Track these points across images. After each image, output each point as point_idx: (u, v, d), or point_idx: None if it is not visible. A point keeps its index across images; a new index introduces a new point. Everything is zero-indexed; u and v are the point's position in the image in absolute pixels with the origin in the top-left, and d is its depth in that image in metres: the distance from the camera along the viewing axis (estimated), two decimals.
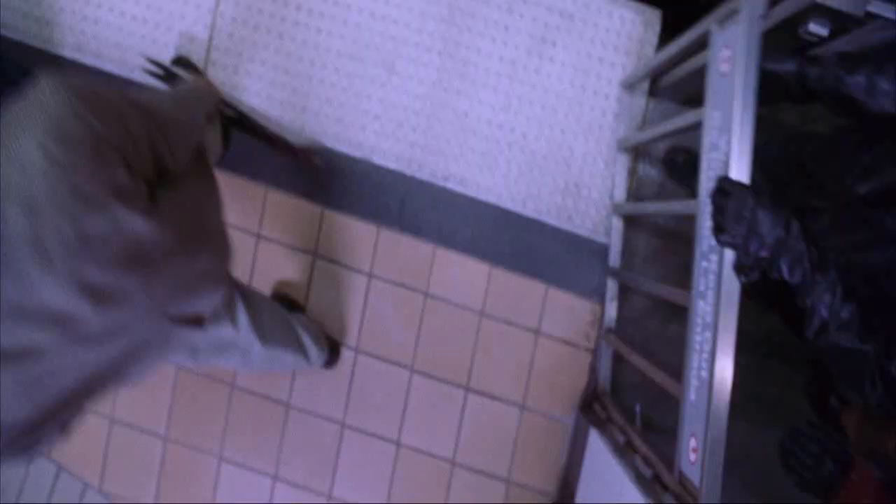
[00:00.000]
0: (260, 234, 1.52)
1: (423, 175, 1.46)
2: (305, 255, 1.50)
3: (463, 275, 1.47)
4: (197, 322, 0.87)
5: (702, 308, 0.89)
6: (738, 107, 0.84)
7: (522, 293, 1.46)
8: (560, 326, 1.47)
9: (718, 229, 0.80)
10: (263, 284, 1.52)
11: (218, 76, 1.51)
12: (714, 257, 0.86)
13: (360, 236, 1.48)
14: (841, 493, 0.79)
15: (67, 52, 1.51)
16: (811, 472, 0.80)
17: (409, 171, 1.47)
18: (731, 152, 0.84)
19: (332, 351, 1.46)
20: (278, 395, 1.53)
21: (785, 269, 0.75)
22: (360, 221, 1.48)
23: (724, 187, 0.81)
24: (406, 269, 1.47)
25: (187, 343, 0.89)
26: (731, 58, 0.87)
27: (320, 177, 1.49)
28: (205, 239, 0.82)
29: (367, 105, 1.47)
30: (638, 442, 1.18)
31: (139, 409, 1.57)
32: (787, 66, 0.88)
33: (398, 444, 1.51)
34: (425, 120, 1.46)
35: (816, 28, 1.07)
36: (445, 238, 1.47)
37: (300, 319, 1.30)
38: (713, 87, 0.93)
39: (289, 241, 1.51)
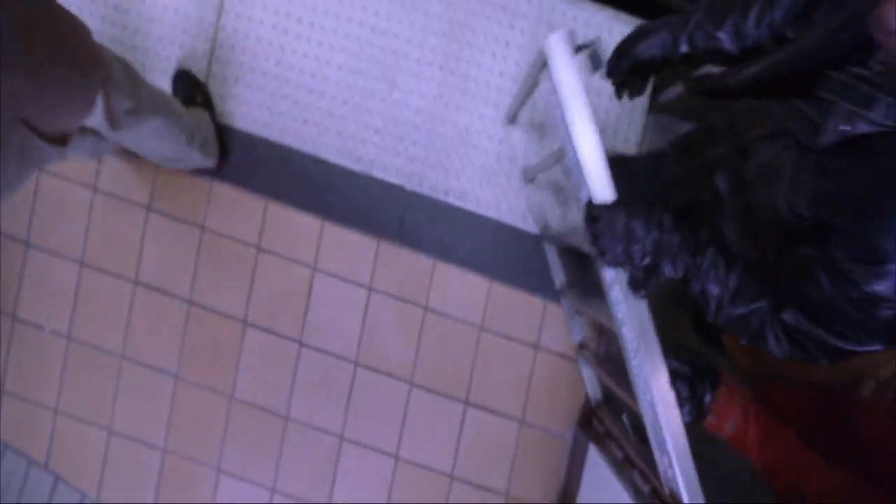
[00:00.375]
0: (260, 246, 1.52)
1: (423, 189, 1.47)
2: (305, 267, 1.51)
3: (463, 289, 1.47)
4: (62, 142, 0.87)
5: (627, 334, 0.88)
6: (577, 136, 0.81)
7: (522, 308, 1.47)
8: (559, 341, 1.47)
9: (600, 253, 0.80)
10: (262, 297, 1.52)
11: (219, 88, 1.52)
12: (617, 287, 0.85)
13: (360, 249, 1.49)
14: (713, 409, 0.82)
15: None
16: (693, 402, 0.82)
17: (409, 185, 1.48)
18: (586, 180, 0.81)
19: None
20: (277, 408, 1.53)
21: (669, 268, 0.76)
22: (361, 235, 1.49)
23: (592, 213, 0.79)
24: (406, 282, 1.48)
25: (50, 158, 0.90)
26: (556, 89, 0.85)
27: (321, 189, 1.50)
28: (54, 50, 0.83)
29: (367, 118, 1.47)
30: (634, 456, 1.18)
31: (137, 420, 1.57)
32: (658, 50, 0.86)
33: (397, 457, 1.51)
34: (426, 134, 1.47)
35: None
36: (445, 252, 1.47)
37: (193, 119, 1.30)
38: (558, 120, 0.89)
39: (289, 253, 1.51)
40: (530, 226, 1.46)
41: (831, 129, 0.65)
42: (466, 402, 1.49)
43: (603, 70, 0.89)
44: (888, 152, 0.62)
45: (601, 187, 0.80)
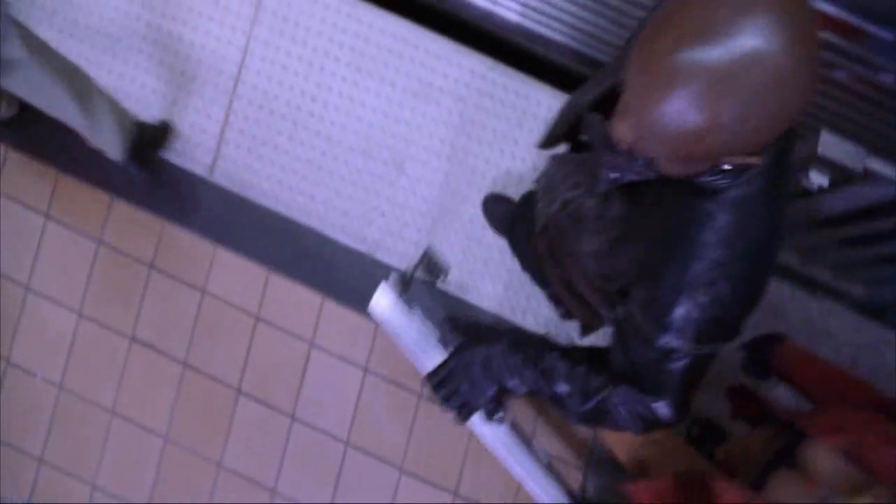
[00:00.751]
0: (259, 315, 1.52)
1: (425, 276, 1.48)
2: (303, 342, 1.51)
3: None
4: None
5: (504, 460, 0.95)
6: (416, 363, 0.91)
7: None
8: (553, 443, 1.47)
9: (460, 411, 0.78)
10: (258, 367, 1.52)
11: (231, 155, 1.54)
12: (479, 424, 0.91)
13: (358, 329, 1.49)
14: None
15: None
16: None
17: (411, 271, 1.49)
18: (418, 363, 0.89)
19: (141, 155, 1.43)
20: (265, 480, 1.52)
21: (517, 384, 0.75)
22: (359, 315, 1.50)
23: (434, 384, 0.79)
24: (401, 367, 1.48)
25: None
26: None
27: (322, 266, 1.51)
28: None
29: (374, 201, 1.49)
30: None
31: (122, 478, 1.55)
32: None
33: None
34: (430, 222, 1.48)
35: (817, 178, 1.11)
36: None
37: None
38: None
39: (287, 326, 1.52)
40: (529, 321, 1.47)
41: (603, 177, 0.65)
42: (455, 494, 1.48)
43: (443, 277, 1.08)
44: (656, 201, 0.63)
45: (427, 363, 0.86)
